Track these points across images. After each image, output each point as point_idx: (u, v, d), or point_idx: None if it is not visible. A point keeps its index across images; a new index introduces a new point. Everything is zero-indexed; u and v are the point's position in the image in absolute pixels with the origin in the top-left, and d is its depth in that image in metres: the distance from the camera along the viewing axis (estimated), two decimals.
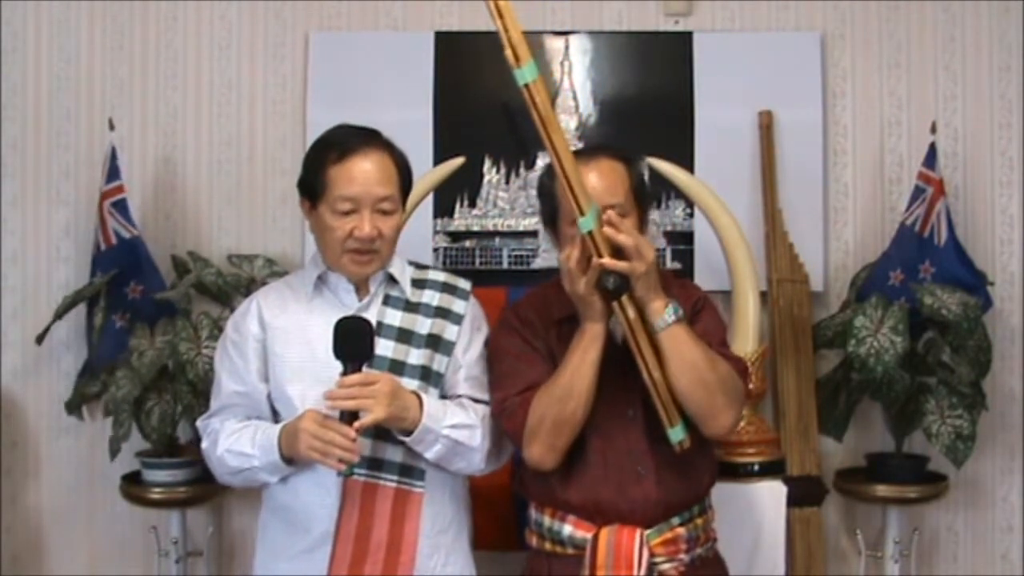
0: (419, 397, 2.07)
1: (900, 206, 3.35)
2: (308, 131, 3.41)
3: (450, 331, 2.19)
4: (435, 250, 3.42)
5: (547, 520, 2.25)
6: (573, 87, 3.45)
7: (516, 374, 2.21)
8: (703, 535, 2.26)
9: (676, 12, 3.45)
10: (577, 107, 3.44)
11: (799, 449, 3.22)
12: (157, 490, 3.11)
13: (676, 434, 2.14)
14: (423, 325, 2.17)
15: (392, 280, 2.19)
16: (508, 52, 2.07)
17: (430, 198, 3.31)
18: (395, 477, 2.10)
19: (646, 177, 2.31)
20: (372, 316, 2.14)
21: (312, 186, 2.13)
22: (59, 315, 3.16)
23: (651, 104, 3.40)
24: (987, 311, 3.19)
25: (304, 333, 2.15)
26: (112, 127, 3.26)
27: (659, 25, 3.44)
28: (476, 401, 2.21)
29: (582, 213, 2.06)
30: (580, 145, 3.42)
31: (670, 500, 2.19)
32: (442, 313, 2.20)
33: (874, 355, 2.97)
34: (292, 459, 2.07)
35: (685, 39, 3.42)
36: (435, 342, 2.17)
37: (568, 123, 3.43)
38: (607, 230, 2.06)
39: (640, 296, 2.08)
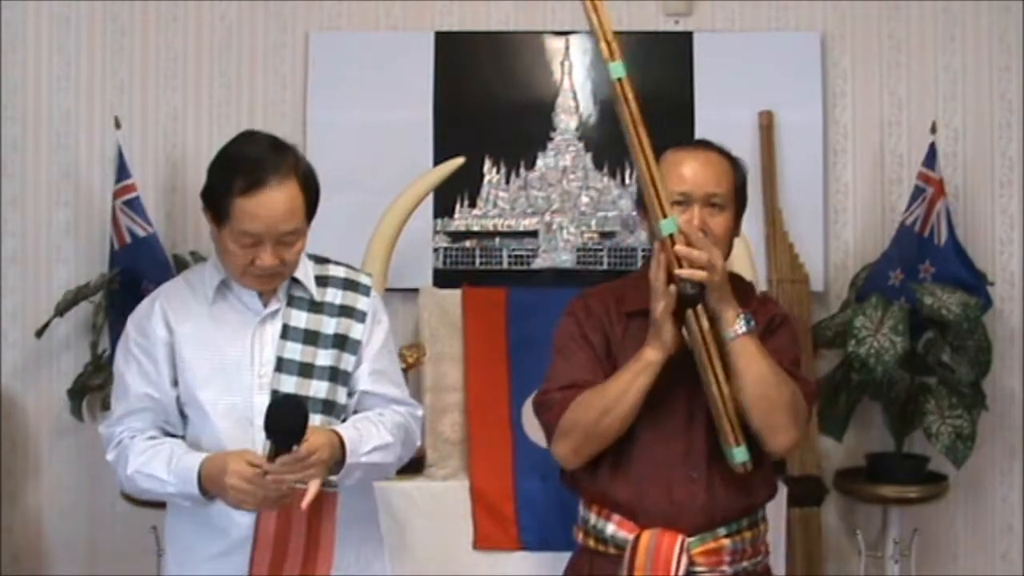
0: (339, 436, 2.05)
1: (900, 206, 3.35)
2: (308, 131, 3.41)
3: (356, 329, 2.16)
4: (435, 250, 3.43)
5: (593, 517, 2.25)
6: (573, 87, 3.45)
7: (563, 369, 2.21)
8: (750, 548, 2.21)
9: (676, 12, 3.45)
10: (577, 107, 3.44)
11: (799, 449, 3.22)
12: None
13: (740, 454, 2.10)
14: (328, 325, 2.14)
15: (296, 280, 2.16)
16: (603, 47, 2.07)
17: (430, 198, 3.31)
18: None
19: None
20: (278, 320, 2.12)
21: (215, 207, 2.06)
22: (60, 312, 3.16)
23: (651, 104, 3.29)
24: (987, 311, 3.19)
25: (212, 339, 2.11)
26: (118, 125, 3.26)
27: (659, 25, 3.44)
28: (379, 396, 2.19)
29: (664, 215, 2.06)
30: (580, 145, 3.44)
31: (717, 509, 2.16)
32: (346, 312, 2.17)
33: (874, 355, 2.97)
34: (208, 492, 2.03)
35: (685, 39, 3.42)
36: (342, 342, 2.14)
37: (568, 123, 3.44)
38: (679, 248, 2.05)
39: (713, 307, 2.07)
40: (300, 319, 2.13)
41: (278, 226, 2.03)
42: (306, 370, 2.09)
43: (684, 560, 2.12)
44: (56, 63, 3.46)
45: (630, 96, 2.07)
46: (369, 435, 2.10)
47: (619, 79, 2.07)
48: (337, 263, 2.24)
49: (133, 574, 3.38)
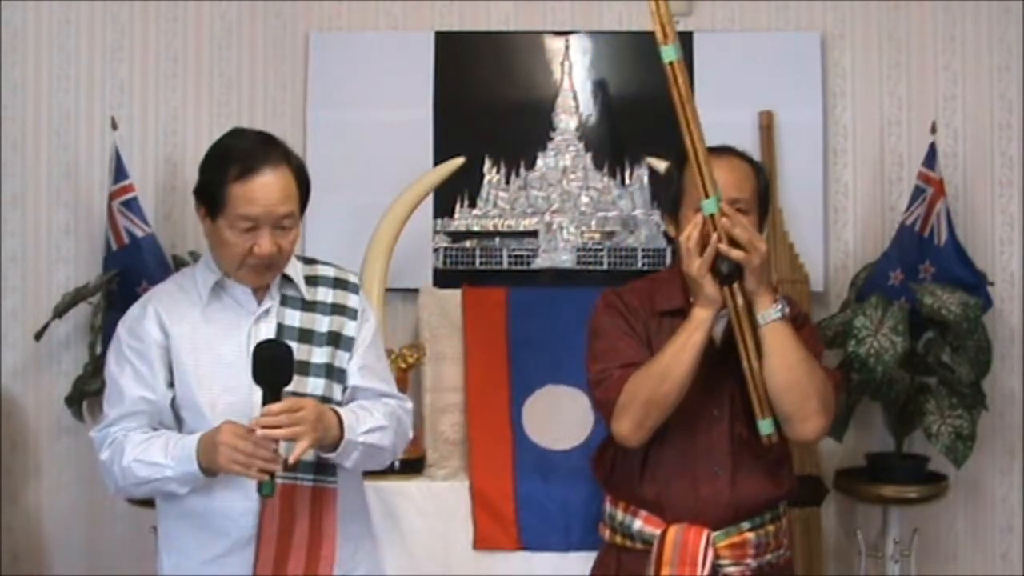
0: (336, 412, 2.08)
1: (900, 206, 3.35)
2: (308, 131, 3.41)
3: (348, 327, 2.19)
4: (435, 250, 3.43)
5: (620, 514, 2.28)
6: (573, 87, 3.45)
7: (617, 351, 2.24)
8: (773, 542, 2.27)
9: (676, 12, 3.42)
10: (577, 107, 3.44)
11: (799, 449, 3.22)
12: None
13: (767, 426, 2.15)
14: (322, 323, 2.17)
15: (288, 279, 2.19)
16: (657, 29, 2.10)
17: (430, 198, 3.31)
18: (311, 476, 2.10)
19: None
20: (272, 318, 2.15)
21: (210, 199, 2.08)
22: (58, 314, 3.16)
23: (651, 104, 3.39)
24: (987, 311, 3.19)
25: (208, 339, 2.12)
26: (115, 126, 3.26)
27: None
28: (368, 391, 2.21)
29: (707, 195, 2.10)
30: (580, 145, 3.44)
31: (741, 503, 2.20)
32: (338, 310, 2.19)
33: (874, 355, 2.97)
34: (209, 471, 2.03)
35: (685, 39, 3.42)
36: (335, 339, 2.17)
37: (568, 123, 3.44)
38: (723, 221, 2.09)
39: (750, 289, 2.12)
40: (294, 318, 2.16)
41: (275, 208, 2.05)
42: (302, 368, 2.10)
43: (710, 554, 2.16)
44: (56, 63, 3.45)
45: (679, 79, 2.12)
46: (364, 418, 2.12)
47: (669, 62, 2.12)
48: (325, 263, 2.26)
49: (133, 574, 3.39)
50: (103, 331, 3.17)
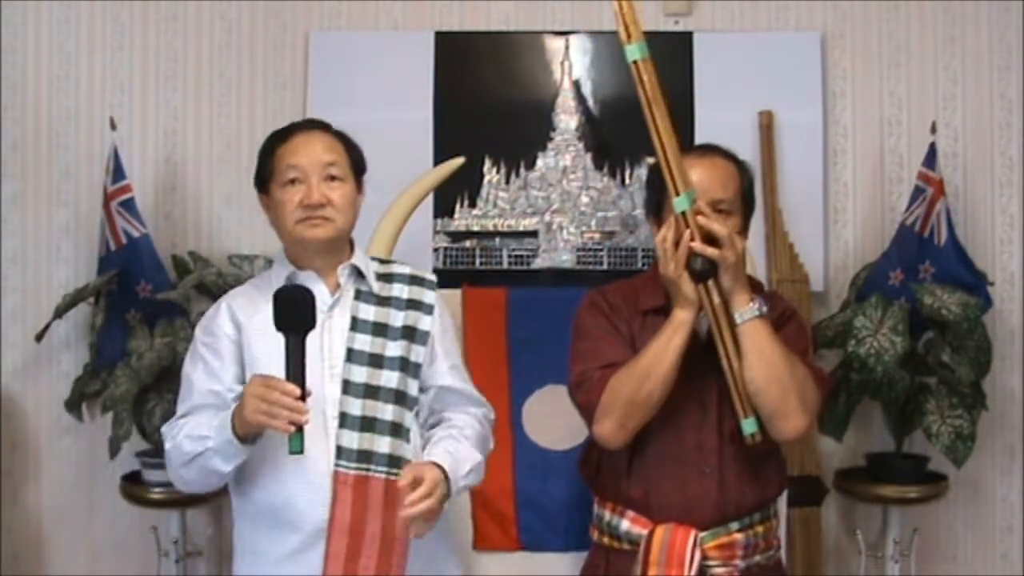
0: (439, 467, 2.08)
1: (900, 206, 3.35)
2: None
3: (424, 321, 2.21)
4: (435, 250, 3.42)
5: (607, 514, 2.28)
6: (573, 87, 3.45)
7: (598, 351, 2.23)
8: (762, 543, 2.24)
9: (676, 12, 3.45)
10: (577, 107, 3.44)
11: (799, 449, 3.22)
12: (157, 490, 3.11)
13: (749, 426, 2.13)
14: (396, 318, 2.18)
15: (360, 275, 2.20)
16: (621, 28, 2.10)
17: (430, 198, 3.31)
18: (384, 468, 2.09)
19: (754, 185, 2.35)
20: (346, 310, 2.16)
21: (262, 173, 2.18)
22: (59, 314, 3.16)
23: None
24: (987, 311, 3.19)
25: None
26: (114, 127, 3.26)
27: (659, 25, 3.44)
28: (459, 393, 2.23)
29: (677, 193, 2.09)
30: (580, 145, 3.44)
31: (730, 503, 2.19)
32: (414, 305, 2.22)
33: (874, 355, 2.97)
34: (246, 438, 2.02)
35: (685, 39, 3.42)
36: (411, 333, 2.18)
37: (568, 123, 3.44)
38: (700, 218, 2.08)
39: (726, 287, 2.10)
40: (368, 312, 2.18)
41: (319, 156, 2.14)
42: (376, 360, 2.13)
43: (697, 555, 2.14)
44: (56, 63, 3.45)
45: (645, 78, 2.10)
46: (464, 458, 2.13)
47: (634, 61, 2.11)
48: (402, 263, 2.31)
49: (133, 574, 3.39)
50: (103, 331, 3.18)
